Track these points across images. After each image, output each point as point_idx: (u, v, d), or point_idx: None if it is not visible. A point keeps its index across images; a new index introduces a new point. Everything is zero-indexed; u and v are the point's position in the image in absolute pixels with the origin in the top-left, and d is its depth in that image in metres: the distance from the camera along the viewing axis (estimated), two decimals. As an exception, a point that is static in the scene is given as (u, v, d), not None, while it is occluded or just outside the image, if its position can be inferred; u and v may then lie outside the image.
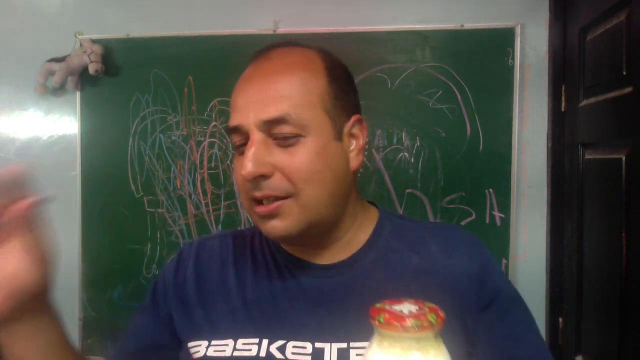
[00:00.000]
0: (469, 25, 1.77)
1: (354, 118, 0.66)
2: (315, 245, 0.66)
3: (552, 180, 1.74)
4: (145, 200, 1.97)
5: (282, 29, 1.88)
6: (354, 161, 0.66)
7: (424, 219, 1.80)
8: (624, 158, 1.26)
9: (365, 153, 1.82)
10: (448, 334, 0.62)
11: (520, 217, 1.78)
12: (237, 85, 0.66)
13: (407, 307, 0.44)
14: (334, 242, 0.67)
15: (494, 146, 1.77)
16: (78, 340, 2.03)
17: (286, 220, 0.60)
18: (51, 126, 2.06)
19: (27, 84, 2.02)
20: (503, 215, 1.77)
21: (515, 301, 0.67)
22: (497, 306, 0.64)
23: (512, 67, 1.74)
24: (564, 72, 1.70)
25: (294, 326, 0.62)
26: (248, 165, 0.58)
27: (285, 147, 0.60)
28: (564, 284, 1.68)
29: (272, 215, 0.60)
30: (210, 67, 1.91)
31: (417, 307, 0.44)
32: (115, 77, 1.98)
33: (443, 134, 1.79)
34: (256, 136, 0.60)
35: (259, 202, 0.61)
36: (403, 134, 1.80)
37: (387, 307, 0.44)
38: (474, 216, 1.78)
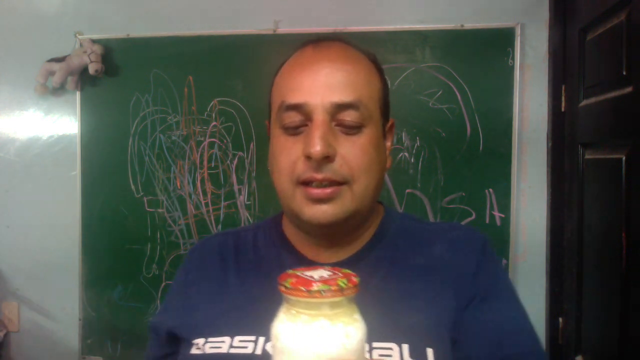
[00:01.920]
0: (469, 25, 1.77)
1: (390, 121, 0.70)
2: (333, 238, 0.66)
3: (552, 180, 1.73)
4: (145, 200, 1.97)
5: (282, 29, 1.88)
6: (388, 161, 0.70)
7: (424, 219, 1.80)
8: (624, 158, 1.26)
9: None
10: (440, 328, 0.59)
11: (520, 217, 1.78)
12: (295, 65, 0.65)
13: (319, 273, 0.41)
14: (344, 237, 0.67)
15: (494, 146, 1.77)
16: (78, 340, 2.03)
17: (338, 205, 0.61)
18: (51, 126, 2.06)
19: (27, 84, 2.02)
20: (503, 215, 1.77)
21: (509, 297, 0.66)
22: (489, 301, 0.64)
23: (512, 67, 1.74)
24: (564, 72, 1.70)
25: None
26: (317, 144, 0.58)
27: (348, 135, 0.61)
28: (564, 284, 1.68)
29: (326, 199, 0.60)
30: (210, 67, 1.91)
31: (330, 273, 0.41)
32: (115, 77, 1.98)
33: (443, 134, 1.79)
34: (323, 117, 0.60)
35: (308, 185, 0.60)
36: (403, 134, 1.80)
37: (297, 273, 0.41)
38: (474, 216, 1.78)
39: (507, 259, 1.76)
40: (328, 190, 0.60)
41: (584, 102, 1.56)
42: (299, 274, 0.41)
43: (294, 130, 0.62)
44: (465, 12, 1.80)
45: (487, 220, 1.77)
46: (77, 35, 1.98)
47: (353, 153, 0.61)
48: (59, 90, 2.01)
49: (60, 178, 2.04)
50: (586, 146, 1.55)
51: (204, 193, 1.94)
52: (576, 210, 1.59)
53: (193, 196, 1.94)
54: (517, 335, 0.63)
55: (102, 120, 2.00)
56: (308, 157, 0.59)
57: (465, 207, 1.78)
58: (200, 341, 0.63)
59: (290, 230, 0.71)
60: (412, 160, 1.81)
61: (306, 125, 0.61)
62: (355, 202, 0.61)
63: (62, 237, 2.02)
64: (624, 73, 1.26)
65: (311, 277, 0.40)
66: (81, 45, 1.93)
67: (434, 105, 1.79)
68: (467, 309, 0.62)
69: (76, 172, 2.01)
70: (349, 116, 0.60)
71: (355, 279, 0.40)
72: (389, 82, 0.72)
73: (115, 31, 1.97)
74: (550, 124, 1.74)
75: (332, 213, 0.60)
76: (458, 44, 1.78)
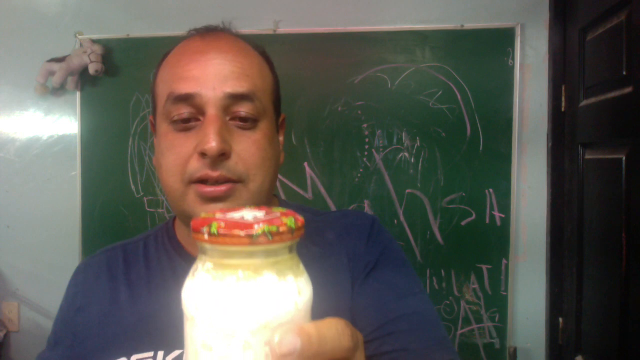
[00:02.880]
0: (469, 25, 1.77)
1: (282, 115, 0.68)
2: None
3: (552, 180, 1.74)
4: (145, 200, 1.97)
5: (282, 29, 1.88)
6: (282, 155, 0.67)
7: (424, 219, 1.80)
8: (624, 158, 1.26)
9: (366, 153, 1.82)
10: (341, 313, 0.61)
11: (520, 217, 1.78)
12: (182, 55, 0.61)
13: (249, 213, 0.31)
14: None
15: (494, 146, 1.77)
16: (78, 340, 2.03)
17: (234, 204, 0.57)
18: (51, 126, 2.06)
19: (27, 84, 2.02)
20: (503, 215, 1.76)
21: (397, 265, 0.65)
22: (375, 270, 0.62)
23: (512, 67, 1.74)
24: (564, 72, 1.70)
25: None
26: (213, 140, 0.53)
27: (243, 130, 0.58)
28: (564, 284, 1.68)
29: (220, 198, 0.56)
30: (210, 67, 1.91)
31: (263, 212, 0.31)
32: (115, 77, 1.98)
33: (443, 134, 1.79)
34: (216, 111, 0.56)
35: (201, 183, 0.56)
36: (403, 134, 1.80)
37: (218, 216, 0.30)
38: (474, 216, 1.78)
39: (507, 259, 1.76)
40: (222, 188, 0.56)
41: (584, 102, 1.56)
42: (220, 216, 0.30)
43: (183, 125, 0.57)
44: (465, 12, 1.79)
45: (487, 220, 1.77)
46: (77, 35, 1.98)
47: (249, 150, 0.57)
48: (59, 90, 2.01)
49: (60, 178, 2.04)
50: (586, 146, 1.55)
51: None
52: (576, 210, 1.59)
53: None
54: (401, 299, 0.60)
55: (102, 120, 2.00)
56: (202, 154, 0.55)
57: (465, 207, 1.78)
58: None
59: (183, 234, 0.66)
60: (412, 160, 1.81)
61: (198, 119, 0.57)
62: (250, 199, 0.58)
63: (62, 237, 2.02)
64: (624, 73, 1.26)
65: (242, 217, 0.30)
66: (81, 45, 1.93)
67: (434, 105, 1.79)
68: (356, 284, 0.61)
69: (76, 172, 2.01)
70: (244, 108, 0.57)
71: (301, 217, 0.31)
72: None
73: (115, 31, 1.97)
74: (550, 124, 1.74)
75: None
76: (458, 44, 1.78)
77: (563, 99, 1.70)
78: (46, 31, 2.03)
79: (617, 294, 1.27)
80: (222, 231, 0.28)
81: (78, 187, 2.01)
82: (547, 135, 1.76)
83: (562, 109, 1.70)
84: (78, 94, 2.00)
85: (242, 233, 0.28)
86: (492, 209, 1.77)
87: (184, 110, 0.57)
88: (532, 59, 1.77)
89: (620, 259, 1.25)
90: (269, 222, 0.28)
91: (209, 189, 0.56)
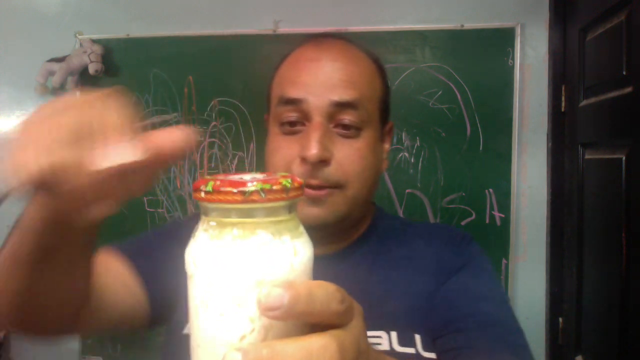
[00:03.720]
0: (469, 25, 1.77)
1: (389, 123, 0.69)
2: (322, 235, 0.63)
3: (552, 180, 1.73)
4: (145, 200, 1.97)
5: (282, 29, 1.88)
6: (384, 164, 0.68)
7: (424, 219, 1.80)
8: (624, 158, 1.26)
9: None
10: (424, 313, 0.58)
11: (520, 217, 1.78)
12: (296, 61, 0.64)
13: (249, 176, 0.31)
14: (334, 236, 0.66)
15: (494, 146, 1.77)
16: (78, 340, 2.03)
17: (330, 209, 0.60)
18: (51, 126, 2.06)
19: (27, 84, 2.02)
20: (503, 215, 1.76)
21: (483, 274, 0.66)
22: (462, 274, 0.64)
23: (512, 67, 1.74)
24: (564, 72, 1.70)
25: None
26: (314, 148, 0.56)
27: (345, 138, 0.60)
28: (564, 284, 1.68)
29: (318, 201, 0.59)
30: (210, 67, 1.91)
31: (264, 175, 0.31)
32: (115, 77, 1.98)
33: (443, 134, 1.79)
34: (321, 119, 0.59)
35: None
36: (403, 134, 1.80)
37: (220, 177, 0.30)
38: (474, 216, 1.78)
39: (507, 259, 1.76)
40: (322, 192, 0.59)
41: (584, 102, 1.56)
42: (220, 177, 0.30)
43: (290, 129, 0.61)
44: (465, 12, 1.79)
45: (487, 220, 1.77)
46: (77, 35, 1.98)
47: (350, 158, 0.60)
48: (59, 90, 2.01)
49: None
50: (586, 146, 1.55)
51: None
52: (576, 210, 1.59)
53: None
54: (476, 302, 0.61)
55: (102, 120, 2.00)
56: (304, 160, 0.58)
57: (465, 207, 1.78)
58: None
59: None
60: (412, 160, 1.81)
61: (304, 124, 0.60)
62: (347, 205, 0.61)
63: (62, 237, 2.02)
64: (624, 73, 1.26)
65: (240, 178, 0.29)
66: (81, 45, 1.93)
67: (434, 105, 1.79)
68: (442, 286, 0.63)
69: (76, 172, 2.01)
70: (348, 116, 0.59)
71: (299, 179, 0.31)
72: (390, 84, 0.72)
73: (115, 31, 1.97)
74: (550, 124, 1.74)
75: (324, 216, 0.60)
76: (458, 44, 1.78)
77: (563, 99, 1.70)
78: (46, 31, 2.03)
79: (617, 294, 1.27)
80: (217, 189, 0.28)
81: (78, 187, 2.00)
82: (547, 135, 1.76)
83: (562, 109, 1.70)
84: (78, 94, 2.00)
85: (235, 190, 0.28)
86: (492, 209, 1.77)
87: (292, 114, 0.60)
88: (532, 59, 1.77)
89: (620, 259, 1.25)
90: (263, 181, 0.28)
91: (308, 192, 0.58)
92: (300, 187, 0.30)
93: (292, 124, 0.61)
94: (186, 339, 0.32)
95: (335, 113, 0.59)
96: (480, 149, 1.77)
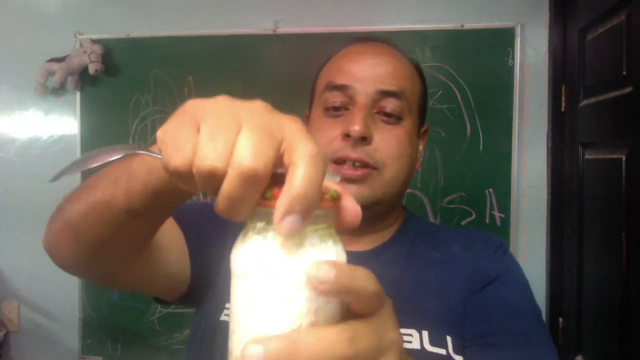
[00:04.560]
0: (469, 25, 1.77)
1: (425, 126, 0.74)
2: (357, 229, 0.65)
3: (552, 180, 1.73)
4: (145, 200, 1.97)
5: (282, 29, 1.87)
6: (418, 163, 0.71)
7: (424, 219, 1.80)
8: (624, 158, 1.26)
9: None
10: (457, 317, 0.59)
11: (520, 217, 1.78)
12: (344, 55, 0.69)
13: None
14: (368, 227, 0.67)
15: (494, 146, 1.77)
16: (78, 340, 2.03)
17: (367, 188, 0.62)
18: (51, 126, 2.06)
19: (27, 84, 2.02)
20: (503, 215, 1.76)
21: (518, 286, 0.67)
22: (495, 284, 0.64)
23: (512, 67, 1.74)
24: (564, 72, 1.70)
25: None
26: (357, 124, 0.60)
27: (386, 124, 0.64)
28: (564, 284, 1.68)
29: (357, 180, 0.61)
30: (210, 67, 1.91)
31: None
32: (115, 77, 1.98)
33: (443, 134, 1.79)
34: (365, 101, 0.63)
35: (341, 165, 0.62)
36: (403, 134, 1.80)
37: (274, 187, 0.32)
38: (474, 216, 1.78)
39: (507, 259, 1.76)
40: (359, 172, 0.61)
41: (584, 102, 1.56)
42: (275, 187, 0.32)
43: (335, 112, 0.64)
44: (465, 12, 1.79)
45: (487, 220, 1.77)
46: (77, 35, 1.98)
47: (389, 141, 0.63)
48: (59, 90, 2.01)
49: (61, 178, 2.03)
50: (586, 146, 1.55)
51: (204, 193, 1.94)
52: (576, 210, 1.59)
53: (193, 196, 1.94)
54: (510, 317, 0.62)
55: (102, 120, 2.00)
56: (347, 135, 0.61)
57: (465, 207, 1.78)
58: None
59: None
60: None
61: (347, 109, 0.64)
62: (383, 188, 0.63)
63: (62, 237, 2.02)
64: (624, 73, 1.26)
65: None
66: (81, 45, 1.93)
67: (434, 105, 1.79)
68: (475, 295, 0.63)
69: (76, 172, 2.01)
70: (391, 104, 0.63)
71: (340, 191, 0.34)
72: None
73: (115, 31, 1.97)
74: (550, 124, 1.74)
75: (360, 195, 0.61)
76: (458, 44, 1.78)
77: (563, 99, 1.70)
78: (46, 31, 2.04)
79: (617, 294, 1.27)
80: (275, 195, 0.30)
81: (78, 187, 2.00)
82: (547, 135, 1.76)
83: (562, 109, 1.70)
84: (78, 94, 2.00)
85: None
86: (492, 209, 1.77)
87: (338, 99, 0.64)
88: (532, 59, 1.77)
89: (620, 259, 1.25)
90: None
91: (347, 171, 0.61)
92: (340, 198, 0.34)
93: (336, 108, 0.64)
94: (223, 325, 0.32)
95: (379, 100, 0.63)
96: (480, 149, 1.77)
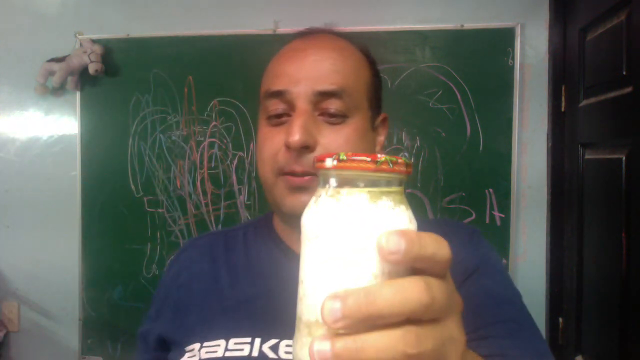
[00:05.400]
0: (469, 25, 1.77)
1: (382, 115, 0.69)
2: None
3: (552, 180, 1.73)
4: (145, 200, 1.97)
5: (282, 29, 1.88)
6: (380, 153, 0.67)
7: (424, 219, 1.80)
8: (624, 158, 1.26)
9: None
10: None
11: (520, 217, 1.78)
12: (282, 54, 0.65)
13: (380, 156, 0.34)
14: None
15: (494, 146, 1.77)
16: (78, 340, 2.03)
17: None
18: (51, 126, 2.06)
19: (27, 84, 2.02)
20: (503, 215, 1.77)
21: (495, 273, 0.65)
22: (473, 277, 0.63)
23: (512, 67, 1.74)
24: (564, 72, 1.70)
25: (287, 325, 0.60)
26: (296, 134, 0.56)
27: (331, 125, 0.60)
28: (564, 284, 1.68)
29: (305, 188, 0.58)
30: (210, 67, 1.91)
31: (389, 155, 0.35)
32: (115, 77, 1.98)
33: (443, 134, 1.79)
34: (305, 106, 0.59)
35: (290, 175, 0.59)
36: (403, 134, 1.80)
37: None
38: (474, 216, 1.78)
39: (507, 259, 1.76)
40: (305, 179, 0.58)
41: (584, 102, 1.56)
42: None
43: (277, 120, 0.61)
44: (465, 12, 1.80)
45: (487, 220, 1.77)
46: (77, 35, 1.98)
47: (336, 143, 0.59)
48: (59, 90, 2.01)
49: (60, 178, 2.04)
50: (586, 146, 1.55)
51: (204, 193, 1.94)
52: (576, 210, 1.59)
53: (193, 196, 1.94)
54: (499, 306, 0.61)
55: (102, 120, 2.00)
56: (288, 147, 0.58)
57: (465, 207, 1.78)
58: (195, 346, 0.61)
59: (281, 226, 0.69)
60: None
61: (289, 115, 0.60)
62: None
63: (62, 237, 2.02)
64: (624, 73, 1.26)
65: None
66: (81, 45, 1.93)
67: (434, 105, 1.79)
68: (460, 288, 0.61)
69: (76, 172, 2.01)
70: (333, 104, 0.59)
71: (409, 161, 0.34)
72: (385, 79, 0.72)
73: (115, 31, 1.97)
74: (550, 124, 1.74)
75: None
76: (458, 44, 1.78)
77: (563, 99, 1.70)
78: (46, 31, 2.04)
79: (617, 294, 1.27)
80: (350, 157, 0.32)
81: (78, 187, 2.01)
82: (547, 135, 1.76)
83: (562, 109, 1.70)
84: (78, 94, 2.00)
85: (368, 159, 0.31)
86: (492, 209, 1.77)
87: (278, 107, 0.60)
88: (532, 59, 1.77)
89: (621, 259, 1.25)
90: (389, 155, 0.32)
91: (295, 179, 0.58)
92: (411, 165, 0.34)
93: (278, 116, 0.61)
94: None
95: (319, 102, 0.59)
96: (480, 149, 1.77)
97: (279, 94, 0.60)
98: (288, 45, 0.66)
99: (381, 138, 0.69)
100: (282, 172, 0.59)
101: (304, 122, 0.57)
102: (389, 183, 0.32)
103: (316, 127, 0.59)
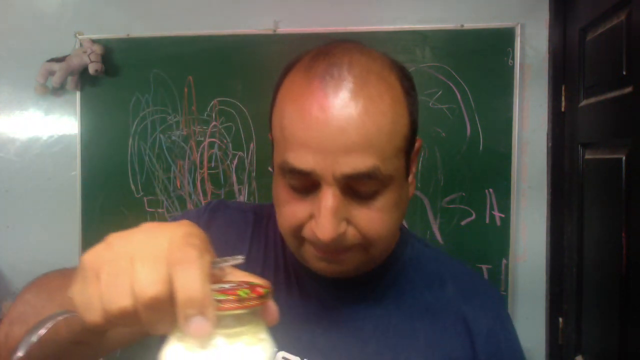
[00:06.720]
0: (469, 25, 1.77)
1: (418, 144, 0.58)
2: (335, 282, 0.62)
3: (552, 180, 1.73)
4: (145, 200, 1.97)
5: (282, 29, 1.88)
6: (412, 188, 0.59)
7: (424, 219, 1.80)
8: (624, 158, 1.26)
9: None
10: None
11: (520, 217, 1.78)
12: (298, 104, 0.50)
13: (227, 285, 0.35)
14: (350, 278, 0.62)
15: (494, 146, 1.77)
16: (78, 340, 2.03)
17: (347, 265, 0.55)
18: (51, 126, 2.06)
19: (27, 84, 2.02)
20: (503, 215, 1.76)
21: (517, 349, 0.64)
22: (499, 338, 0.61)
23: (512, 67, 1.74)
24: (564, 72, 1.70)
25: (285, 337, 0.57)
26: (328, 229, 0.48)
27: (363, 200, 0.51)
28: (564, 284, 1.67)
29: (334, 261, 0.54)
30: (210, 67, 1.91)
31: (235, 284, 0.35)
32: (115, 77, 1.98)
33: (443, 134, 1.79)
34: (334, 191, 0.49)
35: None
36: (403, 134, 1.80)
37: None
38: (474, 216, 1.78)
39: (507, 259, 1.76)
40: (337, 255, 0.54)
41: (584, 102, 1.56)
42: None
43: (301, 189, 0.53)
44: (465, 12, 1.80)
45: (487, 220, 1.77)
46: (77, 35, 1.98)
47: (369, 219, 0.51)
48: (59, 90, 2.01)
49: (60, 178, 2.04)
50: (586, 146, 1.55)
51: (204, 193, 1.94)
52: (576, 210, 1.59)
53: (193, 196, 1.94)
54: None
55: (102, 120, 2.00)
56: (318, 240, 0.51)
57: (465, 207, 1.78)
58: None
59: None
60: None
61: (315, 186, 0.51)
62: (368, 259, 0.56)
63: (62, 237, 2.02)
64: (624, 73, 1.26)
65: (220, 287, 0.34)
66: (81, 45, 1.93)
67: (434, 105, 1.79)
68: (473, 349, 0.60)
69: (76, 172, 2.01)
70: (364, 186, 0.50)
71: (261, 290, 0.33)
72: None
73: (115, 31, 1.97)
74: (550, 124, 1.74)
75: (339, 271, 0.55)
76: (458, 44, 1.78)
77: (563, 99, 1.70)
78: (46, 31, 2.04)
79: (617, 294, 1.27)
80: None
81: (78, 187, 2.01)
82: (547, 135, 1.76)
83: (562, 109, 1.70)
84: (78, 94, 2.00)
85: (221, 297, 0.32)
86: (492, 209, 1.77)
87: (301, 181, 0.51)
88: (532, 59, 1.77)
89: (620, 259, 1.25)
90: (223, 292, 0.33)
91: (327, 254, 0.54)
92: (260, 297, 0.33)
93: (301, 189, 0.53)
94: None
95: (350, 182, 0.50)
96: (480, 149, 1.77)
97: (302, 173, 0.50)
98: (306, 76, 0.51)
99: (414, 169, 0.60)
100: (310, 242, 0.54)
101: (334, 212, 0.49)
102: (225, 321, 0.32)
103: (346, 207, 0.51)
